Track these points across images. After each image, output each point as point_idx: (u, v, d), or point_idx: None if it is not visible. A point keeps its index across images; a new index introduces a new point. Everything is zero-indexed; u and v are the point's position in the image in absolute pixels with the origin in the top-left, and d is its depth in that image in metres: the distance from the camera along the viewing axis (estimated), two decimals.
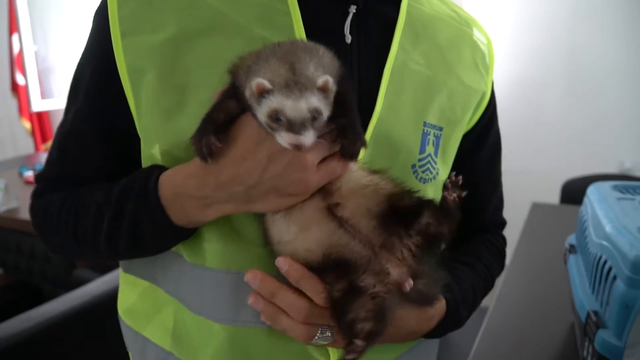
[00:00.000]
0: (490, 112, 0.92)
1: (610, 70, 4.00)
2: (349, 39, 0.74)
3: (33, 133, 4.45)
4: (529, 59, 4.18)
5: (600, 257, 0.93)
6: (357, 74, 0.75)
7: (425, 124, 0.79)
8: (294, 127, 0.56)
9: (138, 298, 0.83)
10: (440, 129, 0.81)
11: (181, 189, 0.66)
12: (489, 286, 0.94)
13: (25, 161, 3.55)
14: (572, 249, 1.23)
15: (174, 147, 0.70)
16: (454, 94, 0.83)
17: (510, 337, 1.23)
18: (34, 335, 1.36)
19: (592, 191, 1.17)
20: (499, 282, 1.58)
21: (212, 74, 0.68)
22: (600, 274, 0.92)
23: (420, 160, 0.79)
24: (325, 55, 0.60)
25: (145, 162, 0.75)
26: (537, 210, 2.30)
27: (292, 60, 0.57)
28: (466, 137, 0.89)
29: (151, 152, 0.72)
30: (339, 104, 0.60)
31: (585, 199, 1.20)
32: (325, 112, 0.57)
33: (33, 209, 0.83)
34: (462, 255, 0.90)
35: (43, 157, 3.80)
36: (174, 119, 0.69)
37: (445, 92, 0.82)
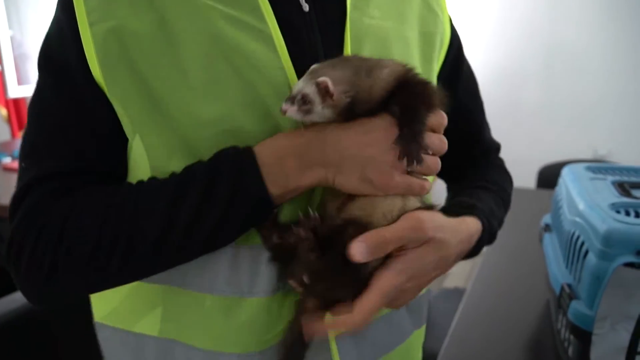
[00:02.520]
0: (456, 48, 0.94)
1: (587, 60, 4.08)
2: (306, 7, 0.74)
3: (9, 120, 4.37)
4: (508, 49, 4.24)
5: (574, 233, 0.97)
6: (320, 40, 0.75)
7: None
8: (288, 97, 0.65)
9: (123, 300, 0.79)
10: None
11: (286, 150, 0.67)
12: (507, 201, 1.00)
13: (2, 148, 3.49)
14: (547, 228, 1.28)
15: (163, 131, 0.68)
16: (410, 41, 0.84)
17: (488, 315, 1.27)
18: (18, 318, 1.36)
19: (566, 172, 1.22)
20: (476, 263, 1.62)
21: (174, 61, 0.68)
22: (573, 249, 0.96)
23: None
24: (374, 74, 0.68)
25: (135, 154, 0.72)
26: (514, 194, 2.34)
27: (337, 62, 0.68)
28: (439, 75, 0.91)
29: (132, 144, 0.71)
30: (406, 118, 0.67)
31: (560, 180, 1.24)
32: (317, 103, 0.65)
33: (24, 223, 0.69)
34: (473, 181, 0.96)
35: (20, 144, 3.73)
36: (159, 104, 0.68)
37: (402, 40, 0.83)
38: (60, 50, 0.71)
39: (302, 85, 0.65)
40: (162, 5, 0.68)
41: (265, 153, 0.67)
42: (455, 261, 0.75)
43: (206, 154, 0.68)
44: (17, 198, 0.70)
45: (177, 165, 0.69)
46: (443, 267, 0.72)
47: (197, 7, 0.68)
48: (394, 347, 0.87)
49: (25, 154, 0.73)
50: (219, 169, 0.66)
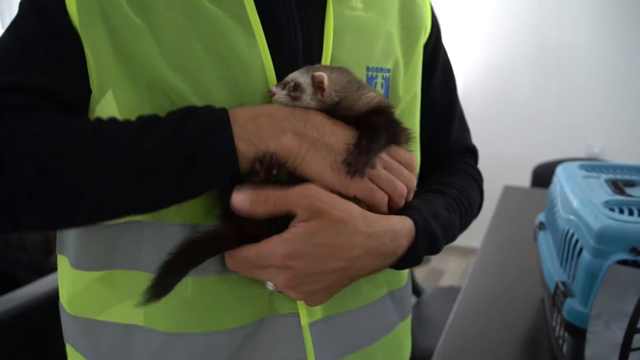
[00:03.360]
0: (434, 38, 0.93)
1: (580, 59, 4.10)
2: None
3: None
4: (502, 48, 4.25)
5: (568, 231, 0.98)
6: (301, 31, 0.75)
7: (368, 69, 0.80)
8: (280, 82, 0.70)
9: (88, 286, 0.76)
10: (388, 70, 0.83)
11: (264, 111, 0.67)
12: (467, 209, 0.89)
13: None
14: (541, 226, 1.28)
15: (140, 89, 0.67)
16: (392, 35, 0.84)
17: (483, 313, 1.27)
18: (13, 318, 1.36)
19: (560, 170, 1.23)
20: (471, 261, 1.63)
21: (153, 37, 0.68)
22: (568, 247, 0.97)
23: None
24: (362, 91, 0.74)
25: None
26: (509, 193, 2.36)
27: (335, 69, 0.73)
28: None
29: (102, 100, 0.69)
30: (367, 133, 0.71)
31: (555, 178, 1.25)
32: (307, 93, 0.70)
33: None
34: (431, 185, 0.89)
35: None
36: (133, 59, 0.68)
37: (384, 33, 0.83)
38: None
39: (297, 75, 0.70)
40: None
41: (240, 114, 0.66)
42: (371, 258, 0.70)
43: None
44: None
45: None
46: (347, 257, 0.67)
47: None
48: (379, 337, 0.86)
49: None
50: (187, 119, 0.64)
